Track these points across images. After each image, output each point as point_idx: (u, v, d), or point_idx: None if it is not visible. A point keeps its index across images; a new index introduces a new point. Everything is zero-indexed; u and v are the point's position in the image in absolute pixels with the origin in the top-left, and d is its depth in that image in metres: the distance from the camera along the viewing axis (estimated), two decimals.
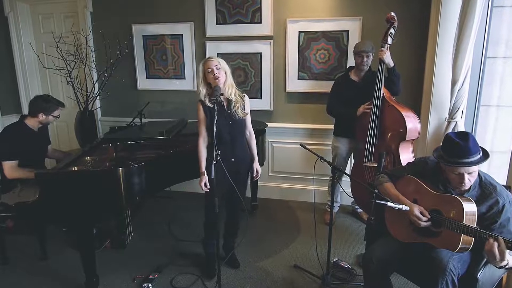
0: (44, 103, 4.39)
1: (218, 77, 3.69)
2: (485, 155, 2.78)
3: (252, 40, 5.76)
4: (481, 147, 2.79)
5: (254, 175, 4.18)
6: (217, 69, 3.69)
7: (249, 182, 4.39)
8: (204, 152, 3.85)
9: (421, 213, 2.96)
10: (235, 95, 3.86)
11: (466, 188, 2.85)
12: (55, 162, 4.86)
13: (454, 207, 2.79)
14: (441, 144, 2.96)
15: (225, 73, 3.77)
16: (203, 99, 3.76)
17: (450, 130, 4.49)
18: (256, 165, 4.17)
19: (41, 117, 4.37)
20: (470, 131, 4.65)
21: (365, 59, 4.70)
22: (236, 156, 3.92)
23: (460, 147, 2.71)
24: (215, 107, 3.39)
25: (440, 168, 2.98)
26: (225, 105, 3.82)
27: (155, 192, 4.27)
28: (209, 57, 3.78)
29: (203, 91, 3.76)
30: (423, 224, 2.95)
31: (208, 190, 3.79)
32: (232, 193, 3.90)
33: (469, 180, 2.79)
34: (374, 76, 4.59)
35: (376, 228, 3.53)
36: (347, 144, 5.10)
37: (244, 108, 3.93)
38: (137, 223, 5.29)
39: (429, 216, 2.94)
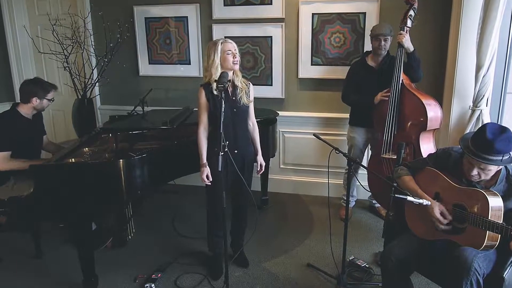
0: (36, 87, 4.34)
1: (237, 62, 3.74)
2: None
3: (262, 23, 5.75)
4: None
5: (258, 169, 4.19)
6: (236, 53, 3.73)
7: (258, 175, 4.39)
8: (205, 142, 3.86)
9: (442, 213, 2.98)
10: (241, 82, 3.89)
11: (475, 180, 2.86)
12: (50, 154, 4.85)
13: (479, 201, 2.80)
14: (469, 132, 2.97)
15: None
16: (212, 83, 3.72)
17: (474, 119, 4.48)
18: (260, 158, 4.18)
19: (35, 101, 4.33)
20: (495, 121, 4.64)
21: (382, 43, 4.68)
22: (239, 147, 3.94)
23: (484, 140, 2.72)
24: (222, 95, 3.38)
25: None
26: (230, 91, 3.83)
27: (159, 186, 4.29)
28: (226, 38, 3.80)
29: (216, 73, 3.69)
30: (442, 227, 2.96)
31: (210, 183, 3.82)
32: (239, 186, 3.92)
33: (478, 174, 2.80)
34: (392, 62, 4.59)
35: (395, 225, 3.53)
36: (363, 134, 5.10)
37: (249, 95, 3.96)
38: (139, 218, 5.31)
39: (451, 218, 2.96)
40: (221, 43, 3.72)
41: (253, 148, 4.14)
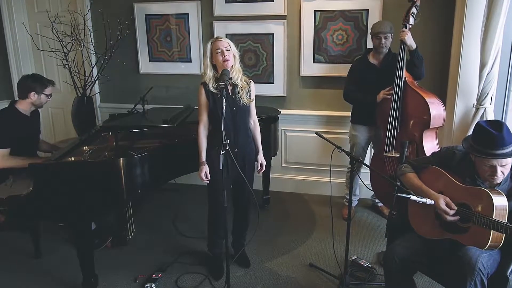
0: (34, 82, 4.34)
1: (228, 60, 3.69)
2: None
3: (264, 20, 5.73)
4: None
5: (259, 168, 4.19)
6: (226, 50, 3.69)
7: (259, 174, 4.39)
8: (205, 141, 3.87)
9: (447, 204, 2.96)
10: (241, 80, 3.87)
11: (499, 181, 2.85)
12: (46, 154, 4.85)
13: (483, 200, 2.79)
14: (470, 134, 2.95)
15: (234, 56, 3.77)
16: (207, 82, 3.76)
17: (478, 118, 4.47)
18: (261, 157, 4.17)
19: (33, 97, 4.32)
20: (500, 119, 4.63)
21: (383, 41, 4.67)
22: (240, 146, 3.93)
23: (493, 137, 2.71)
24: (223, 93, 3.38)
25: (469, 159, 2.97)
26: (229, 90, 3.80)
27: (159, 185, 4.29)
28: (218, 37, 3.79)
29: (209, 73, 3.75)
30: (449, 218, 2.94)
31: (208, 182, 3.82)
32: (241, 186, 3.92)
33: (502, 172, 2.78)
34: (395, 59, 4.59)
35: (398, 224, 3.53)
36: (366, 132, 5.09)
37: (250, 94, 3.94)
38: (139, 218, 5.30)
39: (456, 208, 2.94)
40: (211, 42, 3.75)
41: (254, 147, 4.15)
